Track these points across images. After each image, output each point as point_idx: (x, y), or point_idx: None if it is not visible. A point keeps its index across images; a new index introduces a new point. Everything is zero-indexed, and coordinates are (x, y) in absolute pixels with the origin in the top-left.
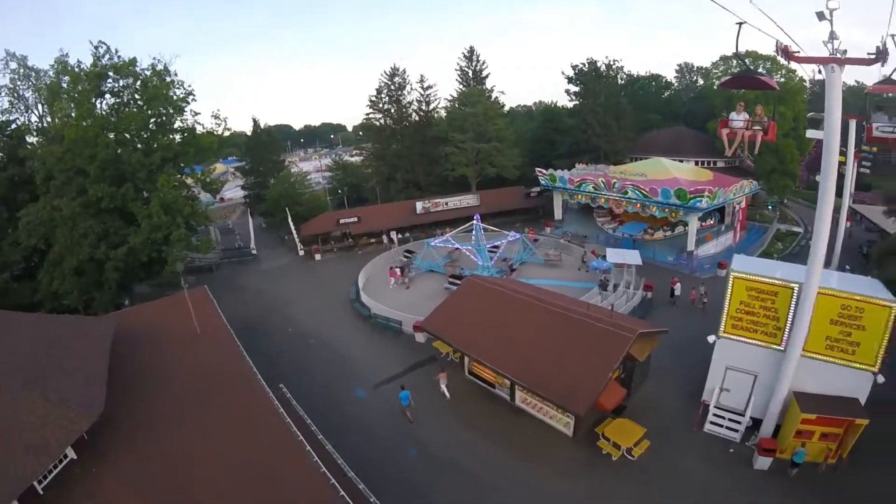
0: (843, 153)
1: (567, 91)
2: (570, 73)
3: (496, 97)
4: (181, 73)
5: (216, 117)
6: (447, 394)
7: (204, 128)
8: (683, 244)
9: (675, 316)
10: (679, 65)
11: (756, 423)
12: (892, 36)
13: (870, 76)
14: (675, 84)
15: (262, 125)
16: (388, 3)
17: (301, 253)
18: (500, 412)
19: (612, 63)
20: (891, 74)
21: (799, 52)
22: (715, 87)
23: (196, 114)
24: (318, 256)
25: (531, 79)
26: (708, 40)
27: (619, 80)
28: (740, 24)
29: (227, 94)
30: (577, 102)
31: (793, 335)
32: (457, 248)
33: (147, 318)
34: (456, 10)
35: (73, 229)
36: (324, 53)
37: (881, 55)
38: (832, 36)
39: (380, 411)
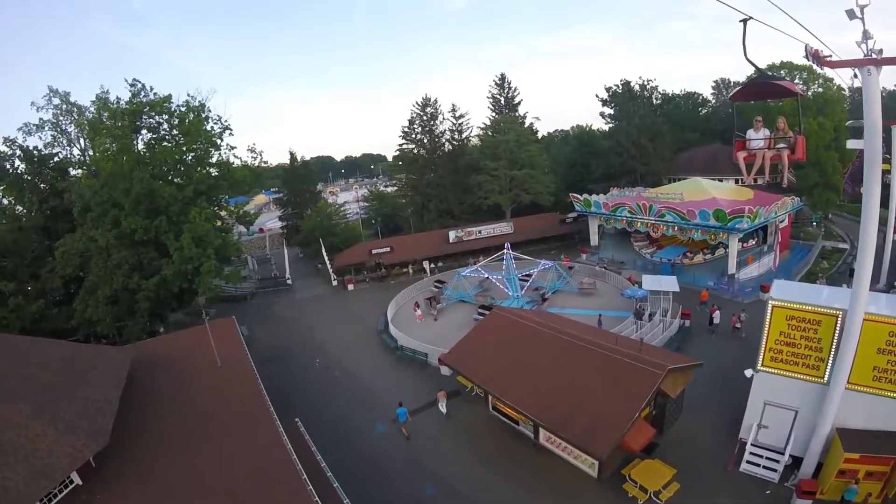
0: (887, 161)
1: (602, 114)
2: (604, 95)
3: (531, 123)
4: (227, 106)
5: (252, 151)
6: (444, 411)
7: (241, 161)
8: (724, 267)
9: (714, 345)
10: (715, 81)
11: (796, 462)
12: None
13: None
14: (713, 101)
15: (298, 158)
16: (424, 35)
17: (334, 283)
18: (524, 450)
19: (645, 83)
20: None
21: (831, 55)
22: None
23: (232, 147)
24: (350, 287)
25: (569, 103)
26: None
27: (654, 100)
28: (745, 20)
29: (272, 127)
30: (611, 125)
31: (837, 367)
32: (487, 278)
33: (170, 348)
34: (489, 34)
35: (108, 259)
36: (364, 85)
37: None
38: (866, 35)
39: (398, 447)
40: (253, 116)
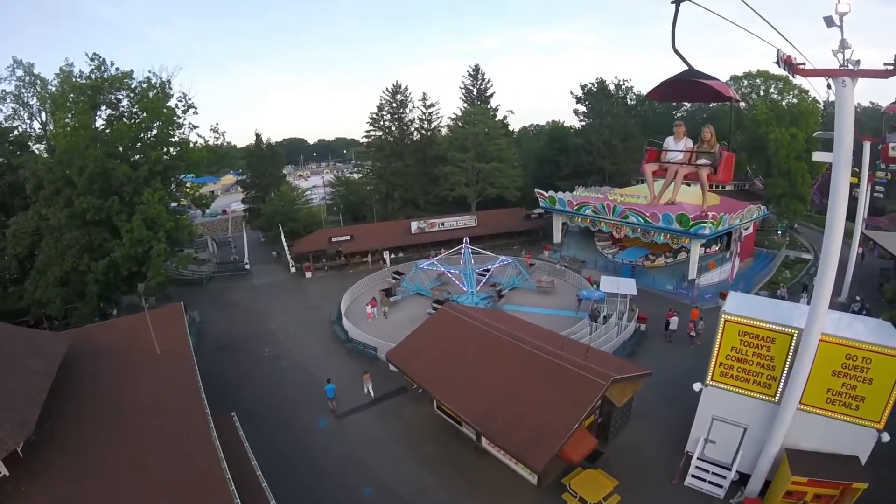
0: (855, 174)
1: (575, 111)
2: (579, 92)
3: (504, 116)
4: (192, 84)
5: (214, 131)
6: (371, 393)
7: (205, 141)
8: (685, 272)
9: (669, 352)
10: None
11: (743, 478)
12: None
13: (886, 96)
14: (689, 105)
15: (265, 139)
16: (404, 20)
17: (293, 270)
18: (466, 453)
19: (621, 83)
20: None
21: (805, 63)
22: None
23: (194, 127)
24: (308, 274)
25: (547, 99)
26: (724, 59)
27: (629, 101)
28: (677, 1)
29: (254, 106)
30: (584, 123)
31: (789, 387)
32: (444, 272)
33: (111, 335)
34: (471, 25)
35: (59, 240)
36: (338, 69)
37: None
38: (843, 45)
39: (339, 444)
40: (230, 96)
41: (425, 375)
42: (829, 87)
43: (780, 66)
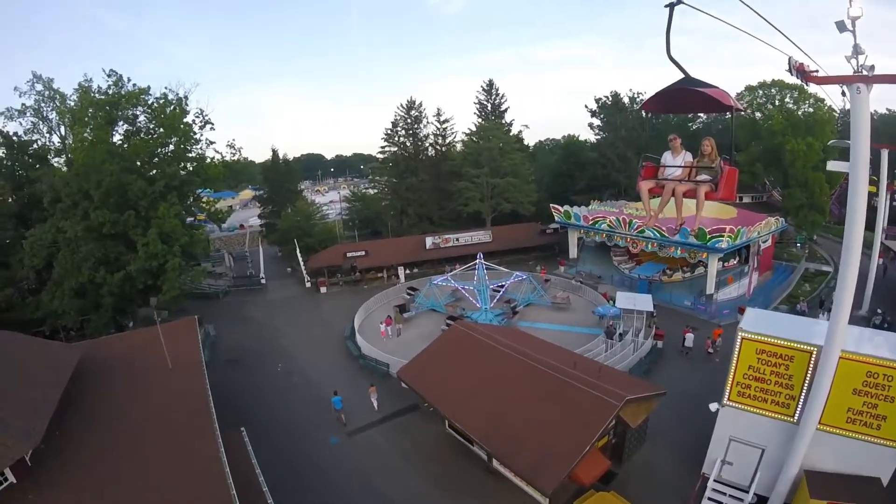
0: (874, 183)
1: (590, 125)
2: (594, 106)
3: (520, 131)
4: (210, 100)
5: (231, 146)
6: (376, 405)
7: (222, 156)
8: (702, 287)
9: (685, 370)
10: None
11: (761, 501)
12: None
13: None
14: (704, 117)
15: (282, 155)
16: (418, 38)
17: (307, 285)
18: (476, 473)
19: (635, 96)
20: None
21: (818, 71)
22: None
23: (211, 143)
24: (323, 290)
25: (561, 112)
26: (739, 70)
27: (644, 113)
28: (672, 4)
29: (270, 121)
30: (599, 136)
31: (808, 407)
32: (458, 288)
33: (123, 347)
34: (483, 41)
35: (75, 252)
36: (354, 85)
37: None
38: (856, 50)
39: (348, 461)
40: (249, 112)
41: (436, 393)
42: (843, 94)
43: (792, 74)
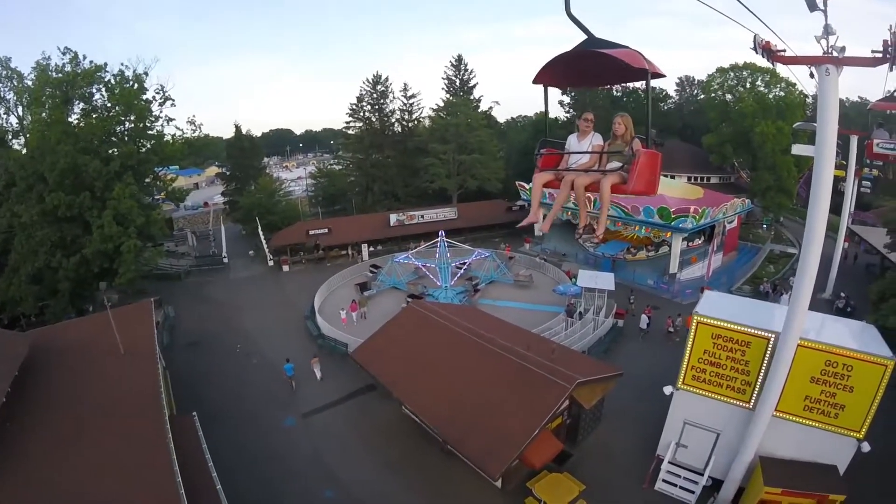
0: (842, 167)
1: (560, 102)
2: None
3: (490, 107)
4: (171, 77)
5: (192, 123)
6: (318, 375)
7: (182, 133)
8: (666, 266)
9: (645, 350)
10: (679, 78)
11: (716, 484)
12: None
13: (873, 90)
14: (676, 97)
15: (247, 130)
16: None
17: (270, 264)
18: (432, 454)
19: None
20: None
21: (785, 50)
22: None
23: (171, 119)
24: (285, 268)
25: (537, 90)
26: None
27: (614, 92)
28: None
29: (239, 99)
30: (569, 114)
31: (764, 394)
32: (419, 266)
33: (76, 334)
34: (460, 16)
35: (31, 237)
36: (325, 59)
37: (889, 53)
38: (827, 30)
39: (304, 444)
40: (218, 88)
41: (389, 375)
42: (811, 76)
43: (757, 53)
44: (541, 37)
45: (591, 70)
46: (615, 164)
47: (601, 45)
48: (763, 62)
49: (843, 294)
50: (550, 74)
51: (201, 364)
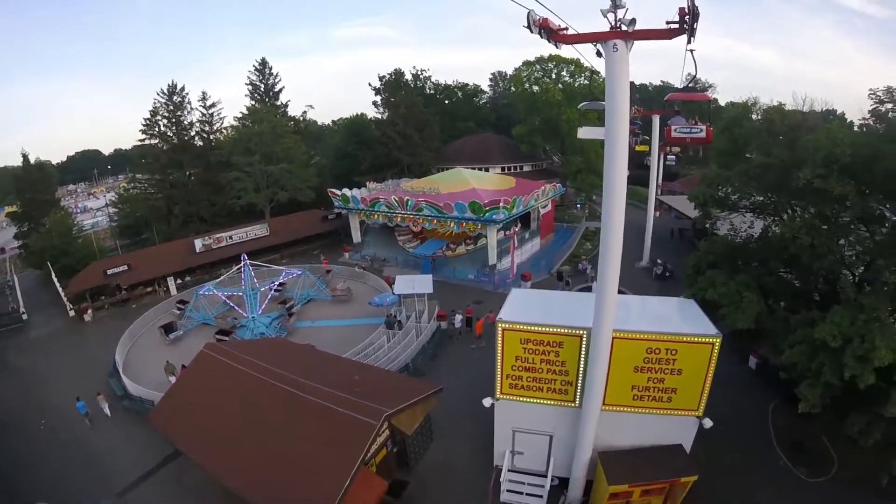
0: (647, 143)
1: (374, 103)
2: (378, 84)
3: (304, 112)
4: None
5: None
6: (107, 412)
7: None
8: (485, 258)
9: (474, 352)
10: (493, 73)
11: (563, 482)
12: None
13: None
14: (489, 91)
15: (36, 158)
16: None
17: (71, 313)
18: None
19: (419, 73)
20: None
21: (567, 29)
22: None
23: None
24: (86, 317)
25: (358, 93)
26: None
27: (427, 90)
28: None
29: (24, 124)
30: (383, 114)
31: (587, 391)
32: (227, 296)
33: None
34: (276, 22)
35: None
36: (133, 69)
37: (686, 23)
38: (615, 3)
39: None
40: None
41: (187, 439)
42: (598, 54)
43: (533, 32)
44: (363, 38)
45: None
46: None
47: None
48: (571, 53)
49: (659, 261)
50: None
51: (2, 449)
